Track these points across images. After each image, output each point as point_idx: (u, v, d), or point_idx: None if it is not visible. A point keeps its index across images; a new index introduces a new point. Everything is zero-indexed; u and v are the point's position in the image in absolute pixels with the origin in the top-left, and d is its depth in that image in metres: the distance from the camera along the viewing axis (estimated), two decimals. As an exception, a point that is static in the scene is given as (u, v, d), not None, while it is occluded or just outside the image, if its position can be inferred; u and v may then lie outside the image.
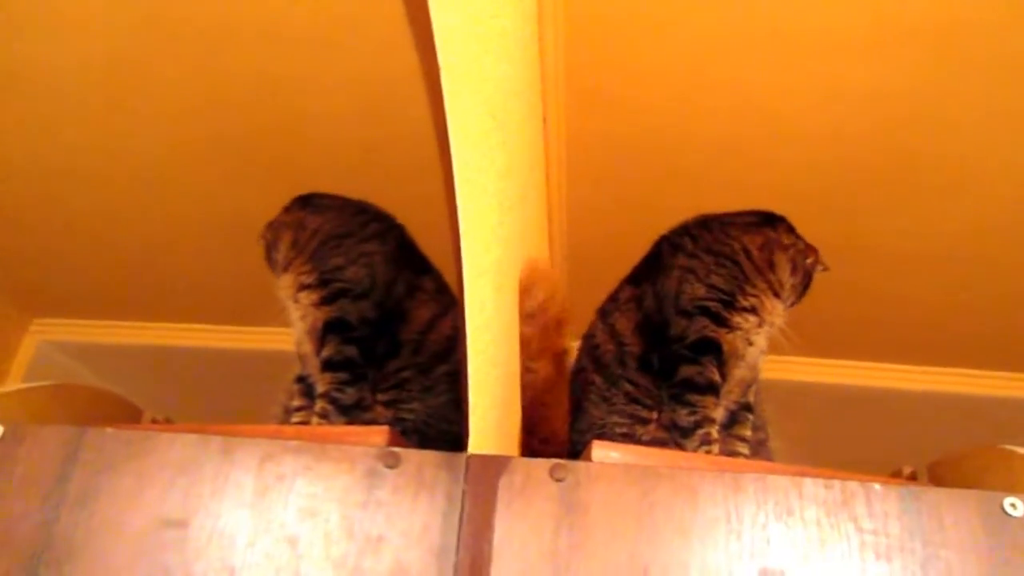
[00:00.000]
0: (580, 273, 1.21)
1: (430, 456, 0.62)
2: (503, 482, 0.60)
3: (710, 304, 0.85)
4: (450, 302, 0.91)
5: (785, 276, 0.90)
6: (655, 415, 0.84)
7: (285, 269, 0.90)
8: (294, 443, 0.63)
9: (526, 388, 0.80)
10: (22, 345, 1.43)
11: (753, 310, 0.86)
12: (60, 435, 0.64)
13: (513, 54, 0.78)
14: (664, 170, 1.06)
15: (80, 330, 1.43)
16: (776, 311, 0.88)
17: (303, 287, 0.87)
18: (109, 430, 0.65)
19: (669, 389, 0.83)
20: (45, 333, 1.44)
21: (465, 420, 0.61)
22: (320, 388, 0.82)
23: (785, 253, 0.91)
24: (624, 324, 0.90)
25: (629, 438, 0.83)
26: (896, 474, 0.89)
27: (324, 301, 0.85)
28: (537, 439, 0.82)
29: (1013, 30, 0.83)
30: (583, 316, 0.99)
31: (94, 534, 0.60)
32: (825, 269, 0.94)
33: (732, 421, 0.85)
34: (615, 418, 0.85)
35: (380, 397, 0.84)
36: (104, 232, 1.19)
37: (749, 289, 0.87)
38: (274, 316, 0.90)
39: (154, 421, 0.92)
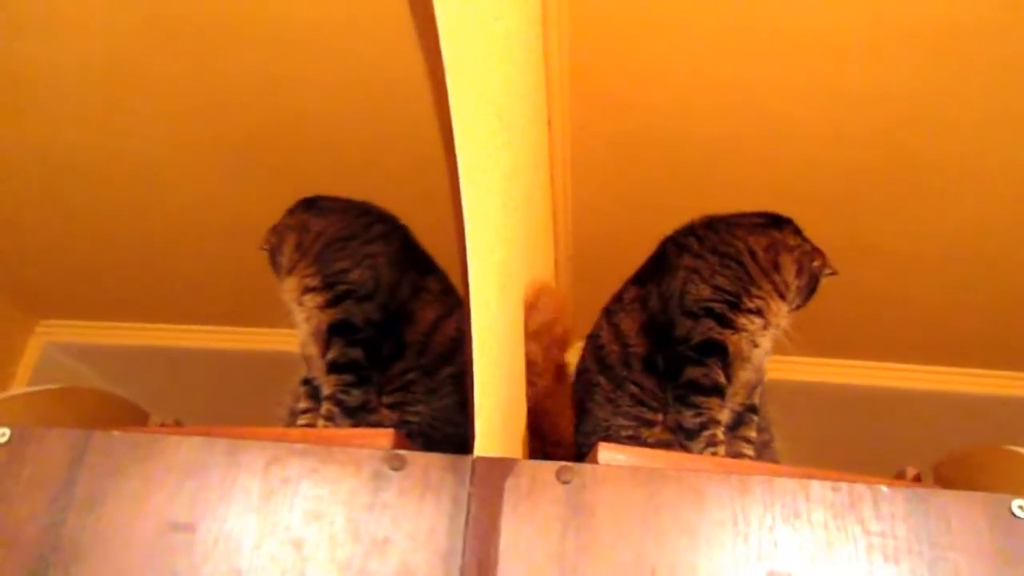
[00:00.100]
0: (585, 273, 1.21)
1: (436, 459, 0.62)
2: (509, 484, 0.60)
3: (715, 305, 0.85)
4: (454, 303, 0.90)
5: (790, 278, 0.90)
6: (660, 417, 0.84)
7: (289, 272, 0.90)
8: (300, 446, 0.63)
9: (528, 399, 0.81)
10: (28, 347, 1.43)
11: (758, 312, 0.86)
12: (67, 438, 0.64)
13: (517, 55, 0.78)
14: (668, 170, 1.06)
15: (85, 332, 1.44)
16: (781, 313, 0.88)
17: (308, 290, 0.87)
18: (115, 433, 0.65)
19: (674, 391, 0.83)
20: (50, 335, 1.44)
21: (471, 422, 0.61)
22: (325, 390, 0.82)
23: (791, 255, 0.91)
24: (629, 325, 0.90)
25: (634, 440, 0.82)
26: (900, 475, 0.88)
27: (329, 303, 0.85)
28: (549, 443, 0.82)
29: (1013, 30, 0.83)
30: (588, 316, 0.99)
31: (101, 537, 0.60)
32: (833, 273, 0.94)
33: (737, 423, 0.85)
34: (620, 420, 0.85)
35: (385, 399, 0.84)
36: (109, 234, 1.19)
37: (754, 291, 0.87)
38: (280, 318, 0.90)
39: (162, 424, 0.92)
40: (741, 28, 0.88)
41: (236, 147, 1.03)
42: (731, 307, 0.85)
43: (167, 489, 0.62)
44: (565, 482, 0.60)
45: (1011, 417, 1.31)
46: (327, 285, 0.86)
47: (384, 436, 0.66)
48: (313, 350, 0.86)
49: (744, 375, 0.85)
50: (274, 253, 0.94)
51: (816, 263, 0.92)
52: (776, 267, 0.89)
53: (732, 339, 0.84)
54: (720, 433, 0.81)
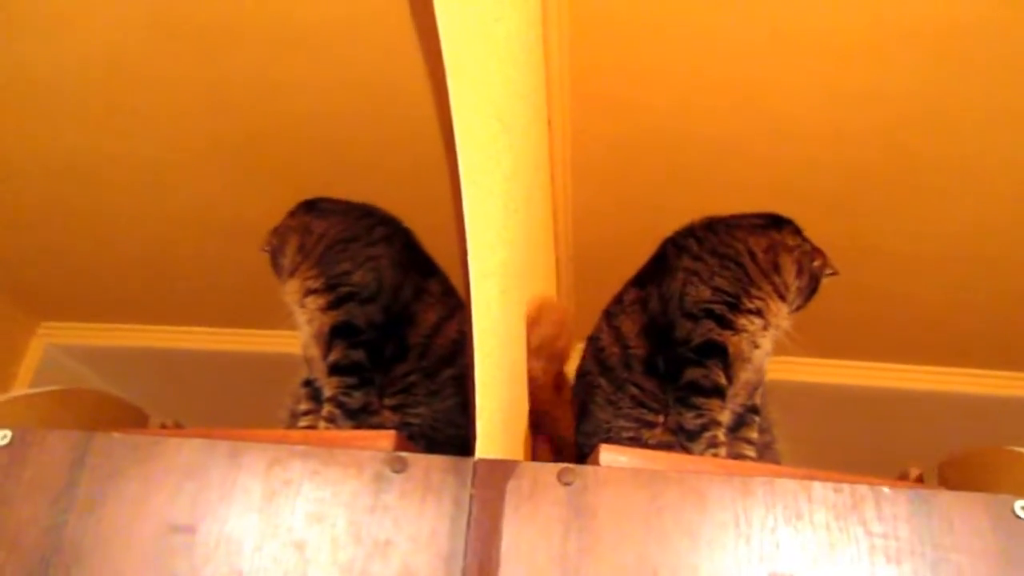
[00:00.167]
0: (585, 274, 1.21)
1: (437, 460, 0.62)
2: (511, 486, 0.60)
3: (715, 307, 0.85)
4: (456, 304, 0.90)
5: (791, 278, 0.90)
6: (661, 418, 0.84)
7: (291, 274, 0.90)
8: (301, 448, 0.63)
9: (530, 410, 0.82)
10: (29, 348, 1.43)
11: (758, 312, 0.86)
12: (67, 440, 0.64)
13: (518, 57, 0.78)
14: (668, 171, 1.06)
15: (87, 333, 1.44)
16: (781, 314, 0.88)
17: (310, 292, 0.87)
18: (116, 435, 0.65)
19: (675, 392, 0.83)
20: (52, 336, 1.44)
21: (472, 424, 0.61)
22: (327, 392, 0.82)
23: (790, 255, 0.91)
24: (629, 327, 0.90)
25: (636, 441, 0.82)
26: (903, 476, 0.88)
27: (331, 305, 0.85)
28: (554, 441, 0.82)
29: (1013, 30, 0.83)
30: (588, 317, 0.99)
31: (102, 539, 0.60)
32: (834, 274, 0.94)
33: (739, 424, 0.85)
34: (621, 422, 0.85)
35: (387, 401, 0.84)
36: (110, 235, 1.20)
37: (754, 291, 0.87)
38: (280, 320, 0.90)
39: (163, 426, 0.92)
40: (741, 29, 0.88)
41: (237, 149, 1.03)
42: (731, 308, 0.85)
43: (168, 491, 0.62)
44: (567, 484, 0.60)
45: (1014, 417, 1.30)
46: (329, 287, 0.86)
47: (386, 438, 0.66)
48: (315, 352, 0.86)
49: (745, 376, 0.85)
50: (275, 255, 0.94)
51: (816, 263, 0.92)
52: (776, 268, 0.89)
53: (732, 340, 0.84)
54: (721, 434, 0.80)
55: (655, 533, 0.58)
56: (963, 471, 0.87)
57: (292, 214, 0.96)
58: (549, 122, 1.00)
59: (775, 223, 0.93)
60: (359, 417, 0.81)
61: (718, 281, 0.86)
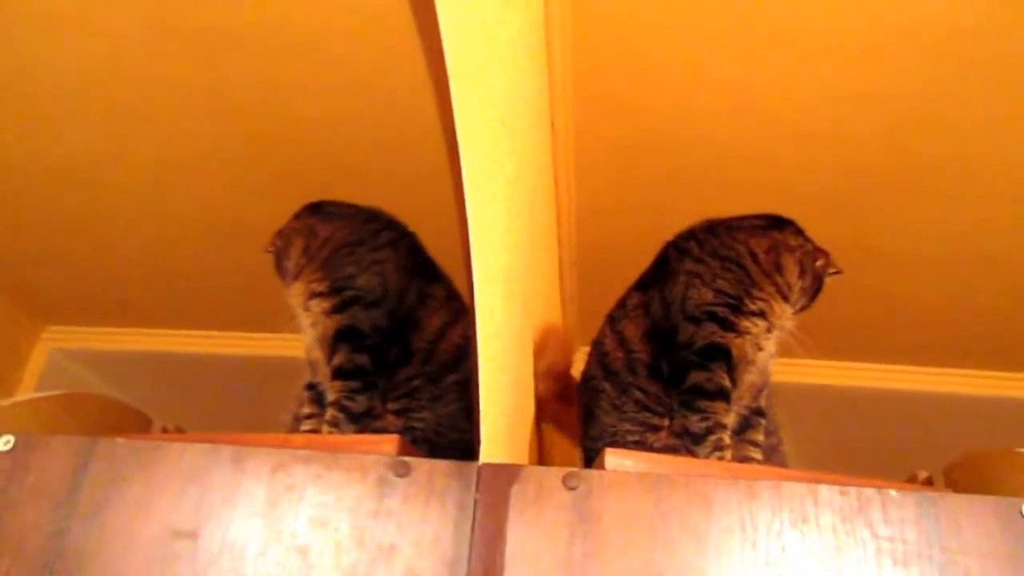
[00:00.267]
0: (588, 277, 1.21)
1: (441, 465, 0.62)
2: (515, 491, 0.60)
3: (717, 309, 0.84)
4: (459, 309, 0.90)
5: (793, 279, 0.89)
6: (666, 422, 0.84)
7: (296, 277, 0.90)
8: (304, 452, 0.63)
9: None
10: (34, 352, 1.44)
11: (761, 314, 0.86)
12: (71, 445, 0.64)
13: (521, 60, 0.78)
14: (671, 173, 1.06)
15: (91, 337, 1.44)
16: (785, 315, 0.88)
17: (314, 295, 0.87)
18: (120, 440, 0.65)
19: (679, 396, 0.83)
20: (56, 341, 1.45)
21: (476, 428, 0.61)
22: (331, 396, 0.82)
23: (792, 255, 0.90)
24: (632, 331, 0.90)
25: (641, 445, 0.82)
26: (911, 479, 0.88)
27: (336, 309, 0.85)
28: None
29: (1014, 31, 0.83)
30: (592, 320, 0.99)
31: (105, 544, 0.60)
32: (838, 273, 0.93)
33: (744, 426, 0.85)
34: (626, 425, 0.84)
35: (390, 406, 0.84)
36: (114, 239, 1.20)
37: (756, 293, 0.86)
38: (284, 323, 0.90)
39: (164, 430, 0.92)
40: (743, 31, 0.88)
41: (242, 153, 1.03)
42: (733, 310, 0.85)
43: (171, 496, 0.62)
44: (572, 488, 0.60)
45: (1022, 419, 1.30)
46: (334, 290, 0.86)
47: (389, 442, 0.66)
48: (319, 355, 0.86)
49: (749, 378, 0.84)
50: (280, 257, 0.94)
51: (820, 263, 0.92)
52: (778, 269, 0.89)
53: (735, 342, 0.83)
54: (726, 437, 0.80)
55: (661, 538, 0.58)
56: (971, 473, 0.86)
57: (297, 216, 0.96)
58: (552, 125, 1.00)
59: (776, 224, 0.93)
60: (363, 421, 0.81)
61: (720, 283, 0.86)
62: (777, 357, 0.88)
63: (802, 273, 0.90)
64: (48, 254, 1.24)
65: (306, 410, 0.85)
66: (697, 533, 0.58)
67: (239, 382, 1.37)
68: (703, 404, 0.80)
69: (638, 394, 0.86)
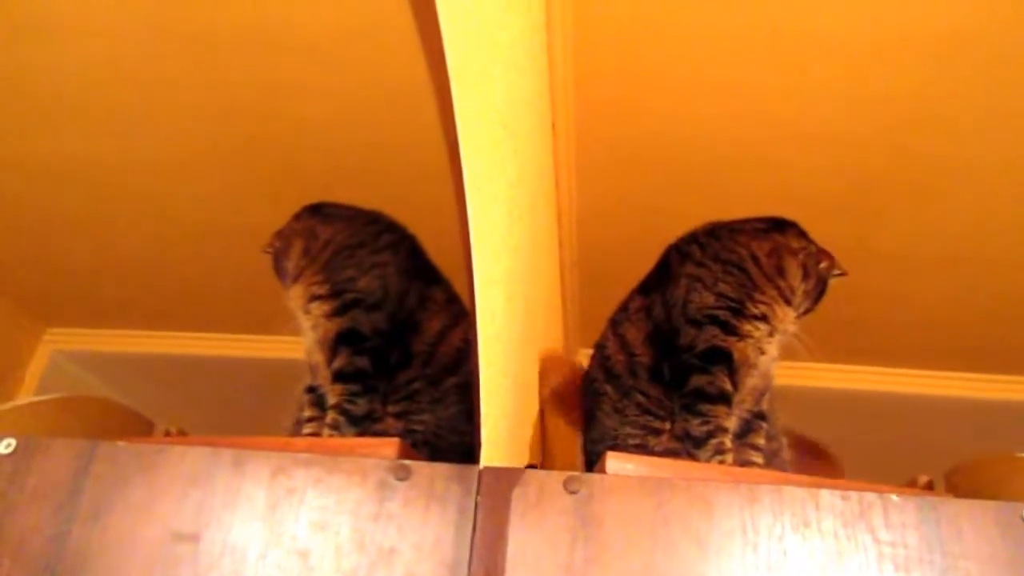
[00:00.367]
0: (590, 279, 1.21)
1: (441, 468, 0.62)
2: (516, 494, 0.60)
3: (719, 313, 0.84)
4: (459, 312, 0.90)
5: (796, 282, 0.89)
6: (668, 425, 0.84)
7: (295, 279, 0.90)
8: (305, 456, 0.63)
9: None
10: (35, 355, 1.44)
11: (763, 318, 0.85)
12: (72, 448, 0.64)
13: (522, 63, 0.78)
14: (673, 175, 1.06)
15: (92, 339, 1.44)
16: (787, 318, 0.87)
17: (315, 297, 0.87)
18: (121, 443, 0.65)
19: (681, 399, 0.82)
20: (58, 343, 1.45)
21: (477, 431, 0.61)
22: (331, 399, 0.82)
23: (795, 258, 0.90)
24: (634, 334, 0.90)
25: (642, 449, 0.82)
26: (912, 483, 0.88)
27: (336, 312, 0.85)
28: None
29: (1016, 33, 0.83)
30: (593, 323, 0.99)
31: (106, 547, 0.60)
32: (842, 274, 0.93)
33: (746, 430, 0.85)
34: (628, 429, 0.84)
35: (391, 409, 0.84)
36: (115, 241, 1.20)
37: (758, 296, 0.86)
38: (284, 323, 0.90)
39: (167, 433, 0.92)
40: (745, 33, 0.88)
41: (242, 155, 1.03)
42: (735, 314, 0.84)
43: (172, 499, 0.62)
44: (573, 492, 0.60)
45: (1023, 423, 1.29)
46: (335, 293, 0.86)
47: (389, 445, 0.66)
48: (319, 358, 0.86)
49: (751, 382, 0.84)
50: (279, 258, 0.94)
51: (823, 265, 0.92)
52: (780, 271, 0.89)
53: (737, 346, 0.83)
54: (728, 441, 0.80)
55: (662, 542, 0.58)
56: (972, 478, 0.86)
57: (297, 217, 0.96)
58: (553, 127, 1.00)
59: (778, 226, 0.93)
60: (363, 424, 0.81)
61: (722, 287, 0.86)
62: (778, 360, 0.88)
63: (805, 276, 0.90)
64: (49, 256, 1.25)
65: (307, 413, 0.85)
66: (698, 537, 0.58)
67: (240, 384, 1.37)
68: (704, 408, 0.80)
69: (640, 397, 0.86)
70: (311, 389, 0.87)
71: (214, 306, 1.32)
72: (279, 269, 0.94)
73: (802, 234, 0.93)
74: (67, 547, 0.60)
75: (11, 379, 1.40)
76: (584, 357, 0.97)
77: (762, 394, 0.86)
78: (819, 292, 0.92)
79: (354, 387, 0.81)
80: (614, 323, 0.94)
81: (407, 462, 0.62)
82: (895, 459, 1.23)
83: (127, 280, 1.29)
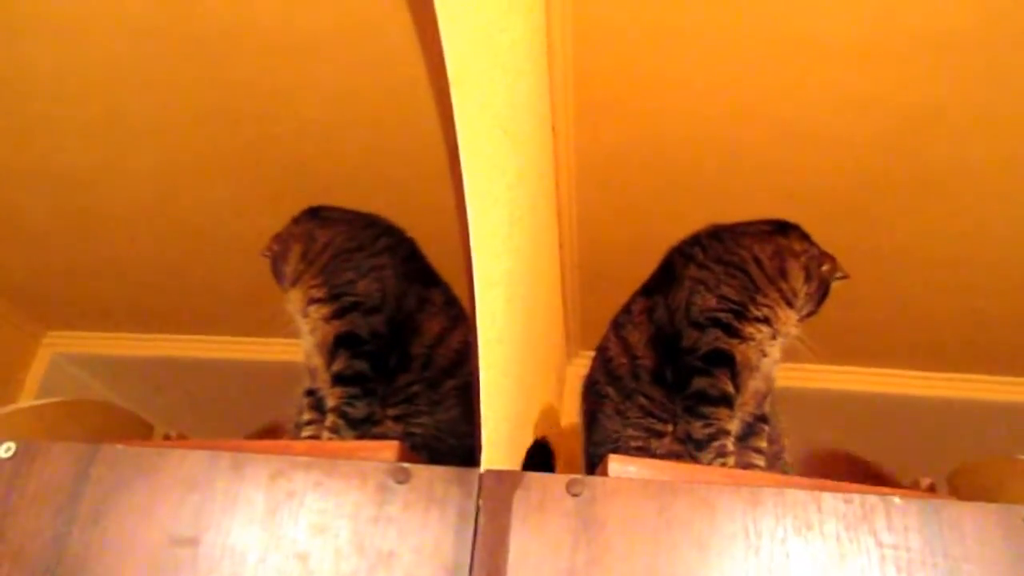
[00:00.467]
0: (591, 282, 1.21)
1: (440, 471, 0.62)
2: (518, 497, 0.60)
3: (721, 315, 0.84)
4: (458, 315, 0.90)
5: (798, 284, 0.89)
6: (670, 428, 0.84)
7: (294, 283, 0.90)
8: (304, 459, 0.63)
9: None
10: (36, 358, 1.44)
11: (766, 320, 0.85)
12: (72, 452, 0.64)
13: (522, 66, 0.78)
14: (674, 176, 1.06)
15: (93, 342, 1.44)
16: (790, 321, 0.87)
17: (313, 301, 0.87)
18: (120, 447, 0.65)
19: (683, 401, 0.82)
20: (58, 345, 1.45)
21: (477, 434, 0.61)
22: (330, 402, 0.82)
23: (797, 260, 0.90)
24: (637, 337, 0.90)
25: (644, 451, 0.82)
26: (914, 485, 0.87)
27: (335, 315, 0.85)
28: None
29: (1020, 35, 0.83)
30: (594, 326, 0.99)
31: (106, 551, 0.60)
32: (845, 277, 0.93)
33: (748, 433, 0.84)
34: (630, 431, 0.84)
35: (390, 412, 0.84)
36: (116, 244, 1.20)
37: (760, 299, 0.86)
38: (283, 326, 0.90)
39: (166, 437, 0.92)
40: (744, 35, 0.88)
41: (242, 158, 1.03)
42: (737, 316, 0.84)
43: (172, 503, 0.62)
44: (575, 495, 0.60)
45: (1024, 425, 1.29)
46: (333, 297, 0.86)
47: (389, 448, 0.66)
48: (318, 361, 0.86)
49: (753, 384, 0.84)
50: (277, 261, 0.94)
51: (825, 267, 0.92)
52: (783, 274, 0.89)
53: (739, 349, 0.83)
54: (730, 443, 0.80)
55: (664, 545, 0.58)
56: (973, 480, 0.86)
57: (296, 221, 0.96)
58: (553, 129, 1.00)
59: (781, 229, 0.93)
60: (362, 427, 0.81)
61: (724, 289, 0.86)
62: (780, 362, 0.88)
63: (808, 278, 0.89)
64: (50, 259, 1.25)
65: (306, 416, 0.85)
66: (701, 540, 0.58)
67: (241, 387, 1.37)
68: (706, 410, 0.80)
69: (642, 400, 0.85)
70: (310, 392, 0.87)
71: (214, 309, 1.32)
72: (278, 272, 0.94)
73: (804, 237, 0.93)
74: (67, 550, 0.60)
75: (12, 382, 1.40)
76: (585, 359, 0.97)
77: (764, 397, 0.86)
78: (821, 295, 0.92)
79: (353, 390, 0.81)
80: (616, 325, 0.93)
81: (406, 465, 0.62)
82: (897, 461, 1.22)
83: (128, 283, 1.29)
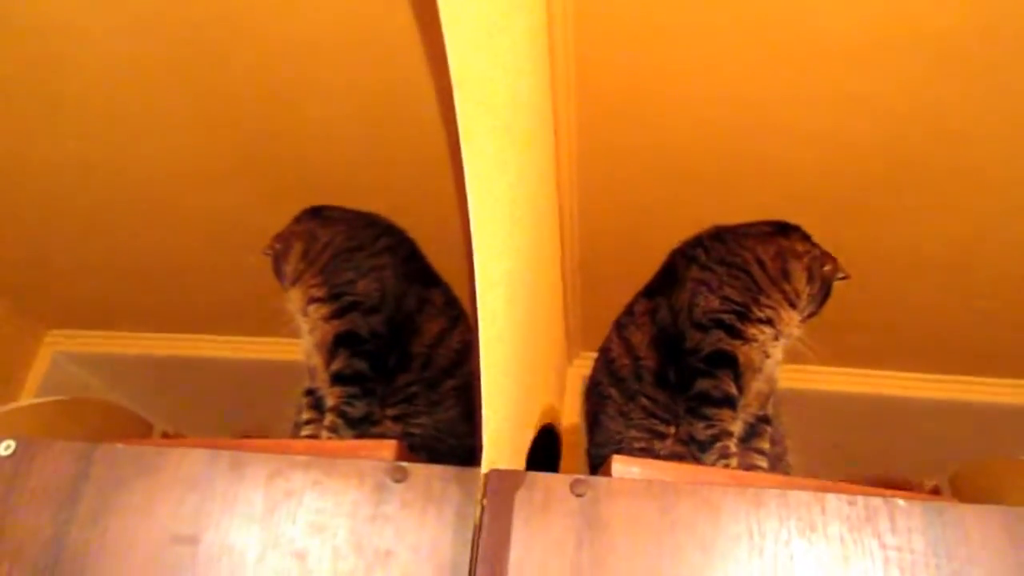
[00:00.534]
0: (592, 283, 1.21)
1: (438, 470, 0.62)
2: (520, 497, 0.60)
3: (724, 316, 0.84)
4: (457, 315, 0.90)
5: (801, 285, 0.89)
6: (673, 429, 0.83)
7: (294, 282, 0.90)
8: (303, 458, 0.63)
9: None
10: (37, 356, 1.44)
11: (768, 321, 0.85)
12: (72, 451, 0.64)
13: (524, 67, 0.77)
14: (675, 178, 1.06)
15: (94, 341, 1.44)
16: (792, 322, 0.87)
17: (313, 300, 0.87)
18: (120, 446, 0.65)
19: (685, 403, 0.82)
20: (59, 344, 1.45)
21: (478, 433, 0.61)
22: (330, 402, 0.82)
23: (799, 261, 0.90)
24: (639, 338, 0.89)
25: (647, 452, 0.82)
26: (918, 487, 0.87)
27: (335, 315, 0.85)
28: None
29: (1017, 34, 0.83)
30: (595, 325, 0.98)
31: (105, 550, 0.60)
32: (846, 277, 0.93)
33: (750, 434, 0.84)
34: (633, 432, 0.84)
35: (389, 411, 0.83)
36: (117, 244, 1.20)
37: (763, 300, 0.86)
38: (283, 325, 0.90)
39: (165, 435, 0.92)
40: (746, 36, 0.87)
41: (243, 157, 1.03)
42: (740, 318, 0.84)
43: (171, 502, 0.61)
44: (579, 495, 0.60)
45: (1027, 427, 1.29)
46: (333, 296, 0.86)
47: (387, 448, 0.66)
48: (317, 361, 0.85)
49: (756, 385, 0.84)
50: (278, 260, 0.94)
51: (827, 268, 0.91)
52: (785, 275, 0.88)
53: (742, 350, 0.83)
54: (732, 445, 0.79)
55: (668, 546, 0.57)
56: (976, 482, 0.86)
57: (297, 220, 0.96)
58: (555, 130, 1.00)
59: (783, 230, 0.93)
60: (361, 427, 0.81)
61: (727, 291, 0.86)
62: (783, 363, 0.88)
63: (810, 279, 0.89)
64: (51, 258, 1.25)
65: (305, 416, 0.85)
66: (704, 541, 0.58)
67: (240, 386, 1.37)
68: (709, 411, 0.80)
69: (645, 401, 0.85)
70: (310, 391, 0.87)
71: (215, 308, 1.32)
72: (279, 271, 0.94)
73: (806, 238, 0.93)
74: (66, 549, 0.60)
75: (13, 381, 1.40)
76: (586, 360, 0.97)
77: (767, 398, 0.86)
78: (823, 296, 0.91)
79: (352, 389, 0.81)
80: (619, 326, 0.93)
81: (404, 464, 0.62)
82: (900, 463, 1.22)
83: (129, 282, 1.29)
